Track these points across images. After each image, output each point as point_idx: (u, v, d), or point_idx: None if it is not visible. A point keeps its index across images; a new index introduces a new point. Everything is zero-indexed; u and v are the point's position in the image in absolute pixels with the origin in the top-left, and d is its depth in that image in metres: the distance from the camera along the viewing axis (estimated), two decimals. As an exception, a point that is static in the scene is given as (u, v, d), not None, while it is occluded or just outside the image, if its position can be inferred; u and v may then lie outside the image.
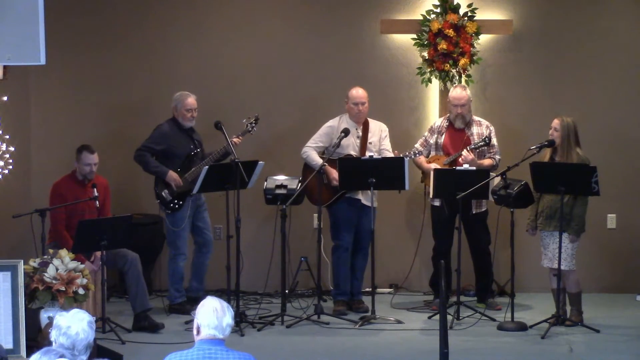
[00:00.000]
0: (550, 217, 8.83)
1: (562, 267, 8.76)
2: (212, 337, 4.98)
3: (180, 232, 9.51)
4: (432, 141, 9.65)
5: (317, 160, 9.48)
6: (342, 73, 10.33)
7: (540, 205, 8.94)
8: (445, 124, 9.65)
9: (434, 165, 9.47)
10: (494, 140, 9.55)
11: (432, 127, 9.76)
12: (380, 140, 9.59)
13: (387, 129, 9.67)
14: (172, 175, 9.44)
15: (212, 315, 4.98)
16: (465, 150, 9.42)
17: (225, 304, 5.04)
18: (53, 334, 5.01)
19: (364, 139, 9.56)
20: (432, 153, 9.66)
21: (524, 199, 8.91)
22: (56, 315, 5.11)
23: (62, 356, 4.62)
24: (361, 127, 9.58)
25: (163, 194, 9.46)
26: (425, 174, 9.64)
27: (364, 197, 9.52)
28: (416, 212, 10.17)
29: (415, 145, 9.70)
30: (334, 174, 9.37)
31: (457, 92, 9.58)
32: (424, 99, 10.39)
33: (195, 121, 9.56)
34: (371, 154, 9.37)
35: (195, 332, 5.03)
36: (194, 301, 9.39)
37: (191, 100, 9.49)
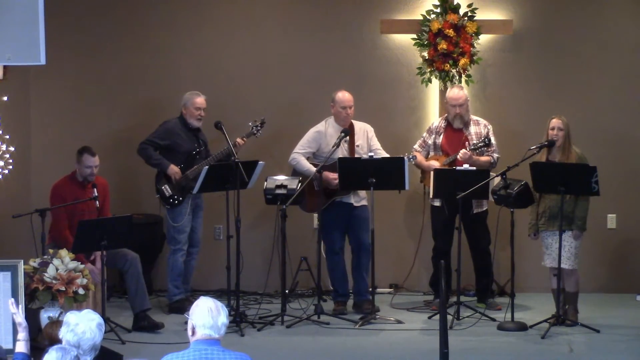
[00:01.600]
0: (553, 217, 8.82)
1: (566, 266, 8.76)
2: (208, 337, 4.98)
3: (180, 227, 9.52)
4: (430, 142, 9.64)
5: (308, 166, 9.44)
6: (342, 73, 10.32)
7: (541, 207, 8.93)
8: (443, 124, 9.64)
9: (433, 162, 9.47)
10: (493, 139, 9.54)
11: (430, 127, 9.75)
12: (368, 141, 9.55)
13: (372, 129, 9.61)
14: (173, 169, 9.45)
15: (207, 315, 4.98)
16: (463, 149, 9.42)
17: (219, 303, 5.05)
18: (62, 330, 5.03)
19: (351, 142, 9.52)
20: (431, 153, 9.65)
21: (524, 199, 8.90)
22: (68, 312, 5.13)
23: (77, 355, 4.65)
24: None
25: (163, 188, 9.48)
26: (425, 173, 9.63)
27: (355, 200, 9.50)
28: (416, 212, 10.17)
29: (414, 147, 9.69)
30: (333, 175, 9.35)
31: (455, 92, 9.57)
32: (424, 99, 10.38)
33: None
34: (371, 154, 9.35)
35: (190, 332, 5.03)
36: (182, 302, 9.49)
37: (200, 99, 9.53)
